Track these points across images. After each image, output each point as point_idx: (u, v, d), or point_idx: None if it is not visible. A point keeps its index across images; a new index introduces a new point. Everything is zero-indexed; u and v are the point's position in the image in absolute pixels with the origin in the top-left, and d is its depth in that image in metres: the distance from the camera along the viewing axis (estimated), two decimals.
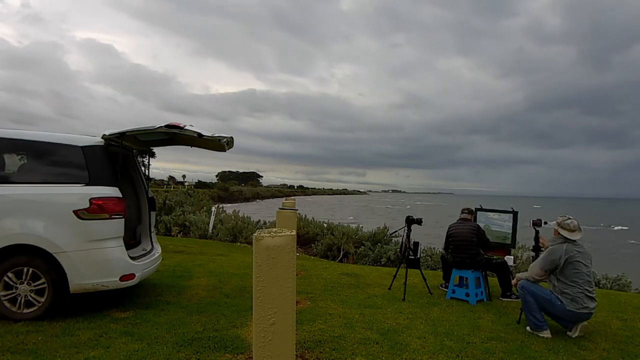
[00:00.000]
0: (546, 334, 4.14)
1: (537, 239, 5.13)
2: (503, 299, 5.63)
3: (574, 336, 4.16)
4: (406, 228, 5.97)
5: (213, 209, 14.92)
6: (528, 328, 4.30)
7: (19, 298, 3.91)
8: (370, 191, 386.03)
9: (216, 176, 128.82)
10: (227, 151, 4.88)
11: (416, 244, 6.05)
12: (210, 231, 13.09)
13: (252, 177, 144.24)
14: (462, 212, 5.96)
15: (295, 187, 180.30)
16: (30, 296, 3.93)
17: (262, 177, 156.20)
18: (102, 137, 4.35)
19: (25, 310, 3.91)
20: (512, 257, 5.88)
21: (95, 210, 4.01)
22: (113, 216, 4.11)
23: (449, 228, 5.93)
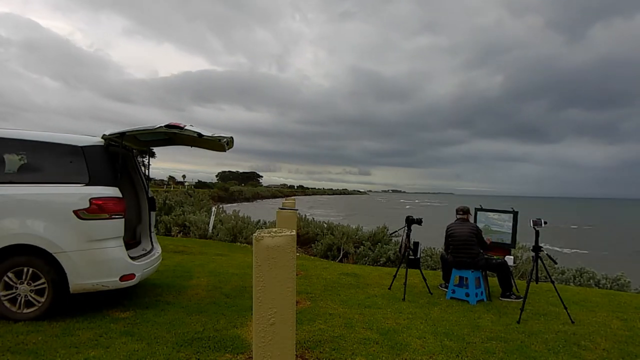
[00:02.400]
0: None
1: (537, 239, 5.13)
2: (503, 299, 5.63)
3: None
4: (406, 228, 5.97)
5: (213, 209, 14.92)
6: None
7: (19, 298, 3.91)
8: (370, 191, 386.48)
9: (216, 176, 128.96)
10: (227, 151, 4.89)
11: (416, 244, 6.05)
12: (210, 231, 13.09)
13: (252, 177, 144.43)
14: (458, 212, 5.93)
15: (295, 187, 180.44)
16: (30, 296, 3.93)
17: (262, 177, 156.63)
18: (102, 137, 4.35)
19: (25, 310, 3.91)
20: (512, 257, 5.88)
21: (95, 210, 4.01)
22: (113, 216, 4.11)
23: (448, 228, 5.92)
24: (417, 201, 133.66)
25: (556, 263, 6.32)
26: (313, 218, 14.28)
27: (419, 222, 5.97)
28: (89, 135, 4.44)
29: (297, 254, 8.84)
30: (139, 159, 5.59)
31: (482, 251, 5.72)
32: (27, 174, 4.16)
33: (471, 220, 5.98)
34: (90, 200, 4.01)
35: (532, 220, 4.98)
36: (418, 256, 6.07)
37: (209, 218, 13.49)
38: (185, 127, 4.21)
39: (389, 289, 5.97)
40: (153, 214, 5.35)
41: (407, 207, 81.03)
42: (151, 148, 5.97)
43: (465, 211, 5.91)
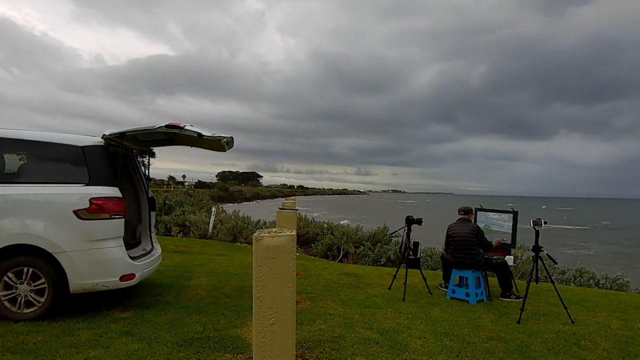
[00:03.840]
0: None
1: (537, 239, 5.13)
2: (503, 299, 5.63)
3: None
4: (406, 228, 5.97)
5: (213, 209, 14.92)
6: None
7: (19, 298, 3.91)
8: (370, 191, 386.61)
9: (216, 176, 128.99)
10: (227, 151, 4.89)
11: (416, 244, 6.05)
12: (210, 231, 13.09)
13: (252, 177, 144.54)
14: (459, 212, 5.95)
15: (295, 187, 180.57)
16: (30, 296, 3.93)
17: (262, 177, 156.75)
18: (102, 137, 4.35)
19: (25, 310, 3.91)
20: (512, 257, 5.88)
21: (95, 210, 4.01)
22: (113, 216, 4.11)
23: (448, 228, 5.92)
24: (411, 201, 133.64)
25: (556, 263, 6.32)
26: (313, 218, 14.28)
27: (419, 222, 5.97)
28: (90, 135, 4.44)
29: (297, 254, 8.84)
30: (139, 159, 5.59)
31: (482, 251, 5.72)
32: (27, 174, 4.16)
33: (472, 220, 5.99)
34: (90, 200, 4.01)
35: (532, 220, 4.98)
36: (418, 256, 6.07)
37: (209, 218, 13.49)
38: (185, 127, 4.21)
39: (389, 289, 5.97)
40: (153, 214, 5.35)
41: (400, 207, 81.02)
42: (151, 148, 5.97)
43: (467, 211, 5.91)
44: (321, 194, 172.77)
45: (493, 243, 5.80)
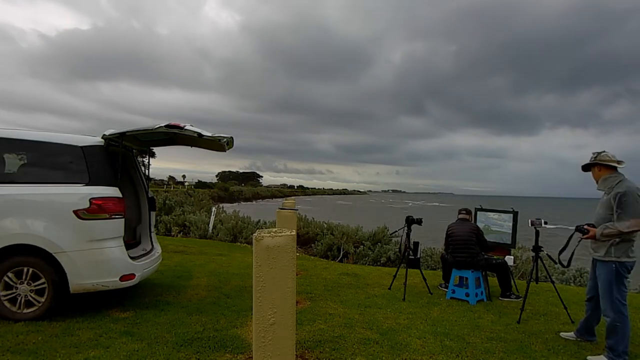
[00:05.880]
0: None
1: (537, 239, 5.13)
2: (503, 299, 5.63)
3: None
4: (406, 228, 5.97)
5: (213, 209, 14.92)
6: None
7: (19, 298, 3.91)
8: (370, 191, 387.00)
9: (216, 176, 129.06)
10: (227, 151, 4.89)
11: (416, 244, 6.06)
12: (210, 231, 13.10)
13: (252, 177, 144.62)
14: (460, 213, 5.95)
15: (296, 187, 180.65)
16: (30, 296, 3.93)
17: (262, 177, 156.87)
18: (102, 137, 4.35)
19: (25, 310, 3.92)
20: (512, 257, 5.89)
21: (96, 210, 4.01)
22: (113, 216, 4.11)
23: (448, 228, 5.93)
24: (405, 201, 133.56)
25: (556, 263, 6.32)
26: (313, 218, 14.28)
27: (419, 222, 5.97)
28: (90, 135, 4.45)
29: (297, 254, 8.84)
30: (139, 159, 5.59)
31: (482, 251, 5.73)
32: (27, 174, 4.16)
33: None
34: (90, 200, 4.01)
35: (531, 220, 4.98)
36: (418, 256, 6.08)
37: (209, 218, 13.49)
38: (185, 127, 4.21)
39: (389, 289, 5.97)
40: (153, 214, 5.36)
41: (393, 206, 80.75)
42: (151, 148, 5.97)
43: (468, 212, 5.93)
44: (321, 194, 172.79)
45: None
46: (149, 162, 5.86)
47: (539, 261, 5.01)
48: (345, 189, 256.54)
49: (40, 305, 3.94)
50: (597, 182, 3.81)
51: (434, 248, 10.32)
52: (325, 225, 13.13)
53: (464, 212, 5.92)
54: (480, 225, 6.05)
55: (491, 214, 6.24)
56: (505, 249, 5.97)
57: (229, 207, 21.04)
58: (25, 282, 3.91)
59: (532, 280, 4.98)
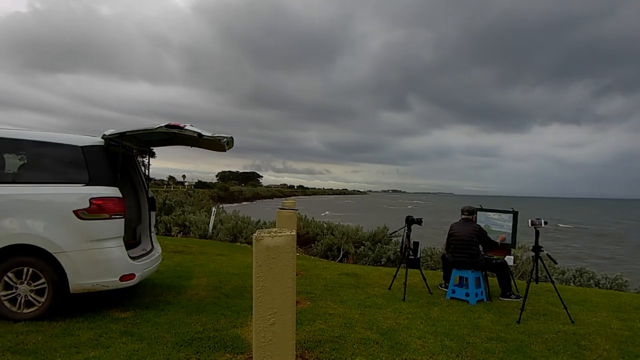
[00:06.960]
0: None
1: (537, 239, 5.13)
2: (503, 299, 5.63)
3: None
4: (406, 228, 5.97)
5: (213, 209, 14.92)
6: None
7: (19, 298, 3.91)
8: (370, 191, 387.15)
9: (216, 176, 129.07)
10: (227, 151, 4.89)
11: (416, 243, 6.05)
12: (210, 231, 13.10)
13: (252, 177, 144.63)
14: (463, 212, 5.95)
15: (296, 187, 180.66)
16: (30, 296, 3.93)
17: (262, 177, 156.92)
18: (102, 137, 4.35)
19: (25, 310, 3.91)
20: (512, 257, 5.89)
21: (96, 210, 4.01)
22: (113, 216, 4.11)
23: (450, 228, 5.93)
24: (401, 200, 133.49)
25: (556, 263, 6.32)
26: (313, 218, 14.28)
27: (419, 222, 5.97)
28: (89, 135, 4.45)
29: (297, 254, 8.84)
30: (139, 159, 5.59)
31: (482, 251, 5.73)
32: (27, 174, 4.17)
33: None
34: (90, 200, 4.01)
35: (530, 220, 4.98)
36: (418, 256, 6.07)
37: (209, 218, 13.49)
38: (185, 127, 4.21)
39: (389, 289, 5.97)
40: (153, 214, 5.36)
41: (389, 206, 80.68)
42: (151, 148, 5.97)
43: (471, 212, 5.91)
44: (321, 194, 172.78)
45: (498, 240, 5.79)
46: (149, 162, 5.86)
47: (539, 261, 5.01)
48: (345, 189, 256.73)
49: (40, 305, 3.93)
50: None
51: (434, 248, 10.32)
52: (325, 225, 13.13)
53: (467, 212, 5.91)
54: (480, 225, 6.05)
55: (491, 214, 6.24)
56: (505, 249, 5.97)
57: (229, 207, 21.04)
58: (25, 282, 3.91)
59: (532, 280, 4.98)
